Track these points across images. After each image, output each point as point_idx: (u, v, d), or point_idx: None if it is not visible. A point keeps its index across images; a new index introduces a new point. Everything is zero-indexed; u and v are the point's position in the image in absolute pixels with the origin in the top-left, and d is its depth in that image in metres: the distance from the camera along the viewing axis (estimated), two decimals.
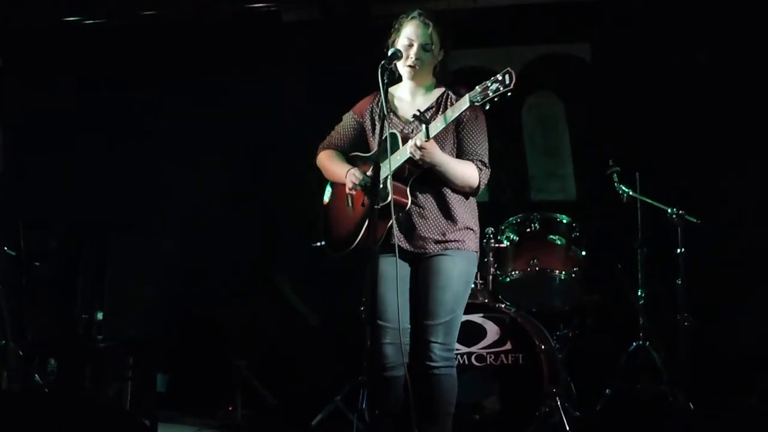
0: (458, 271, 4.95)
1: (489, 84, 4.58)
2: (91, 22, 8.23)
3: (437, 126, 4.73)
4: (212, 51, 8.09)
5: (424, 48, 4.92)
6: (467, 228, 5.00)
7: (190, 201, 7.93)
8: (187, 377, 7.60)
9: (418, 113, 4.81)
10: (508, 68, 4.57)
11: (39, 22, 8.17)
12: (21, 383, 6.06)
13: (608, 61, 7.73)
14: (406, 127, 4.97)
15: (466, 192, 4.98)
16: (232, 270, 7.87)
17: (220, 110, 7.99)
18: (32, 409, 4.22)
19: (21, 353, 6.07)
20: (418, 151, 4.70)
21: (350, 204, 5.06)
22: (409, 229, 4.89)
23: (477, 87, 4.62)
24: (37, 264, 7.02)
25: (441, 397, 4.92)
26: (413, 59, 4.91)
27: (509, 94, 4.55)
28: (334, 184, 5.24)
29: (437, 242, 4.91)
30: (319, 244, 5.29)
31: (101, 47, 8.16)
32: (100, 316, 7.11)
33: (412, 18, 4.98)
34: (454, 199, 4.96)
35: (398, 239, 4.79)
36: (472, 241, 5.02)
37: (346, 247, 5.00)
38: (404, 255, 4.84)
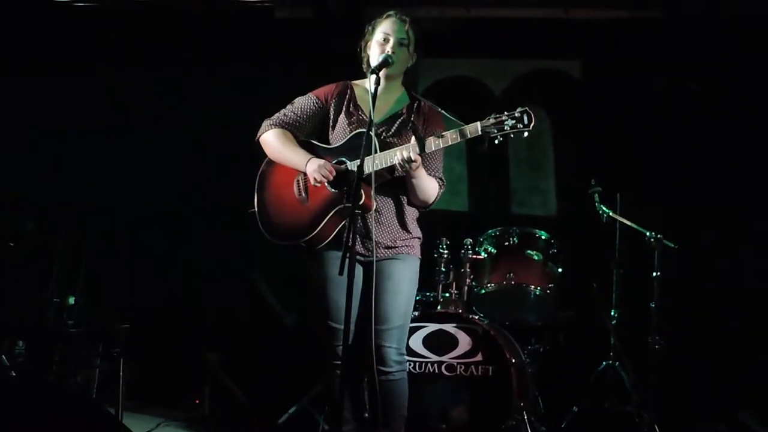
0: (408, 275, 4.95)
1: (504, 119, 4.54)
2: (80, 4, 8.17)
3: (435, 144, 4.67)
4: (202, 42, 8.07)
5: (400, 43, 4.89)
6: (416, 237, 5.01)
7: (169, 192, 7.89)
8: (156, 368, 7.56)
9: (400, 116, 4.84)
10: (527, 108, 4.53)
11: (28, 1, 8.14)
12: None
13: (597, 79, 7.78)
14: (376, 129, 4.83)
15: (420, 206, 5.00)
16: (208, 264, 7.84)
17: (204, 102, 7.96)
18: None
19: None
20: (407, 164, 4.66)
21: (303, 194, 4.91)
22: (363, 232, 4.84)
23: (491, 118, 4.58)
24: (12, 245, 6.97)
25: (394, 401, 4.91)
26: (389, 52, 4.85)
27: (525, 135, 4.54)
28: (274, 166, 5.06)
29: (387, 248, 4.89)
30: (254, 210, 5.06)
31: (89, 30, 8.12)
32: (71, 300, 7.08)
33: (388, 16, 4.95)
34: (408, 209, 4.97)
35: (351, 242, 4.72)
36: (418, 249, 5.03)
37: (297, 238, 4.87)
38: (357, 257, 4.71)
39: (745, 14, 7.38)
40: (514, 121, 4.52)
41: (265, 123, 5.11)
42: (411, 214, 4.99)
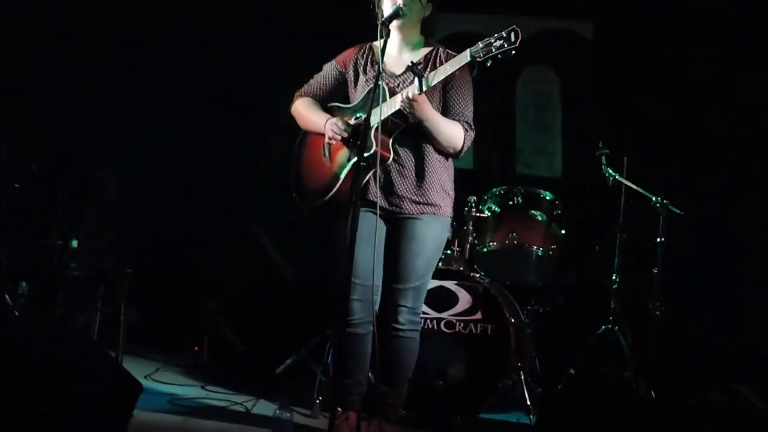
0: (432, 236, 4.95)
1: (492, 41, 4.49)
2: None
3: (432, 79, 4.67)
4: None
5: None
6: (444, 192, 4.99)
7: (172, 143, 7.86)
8: (157, 314, 7.59)
9: (411, 64, 4.75)
10: (514, 26, 4.49)
11: None
12: None
13: (609, 41, 7.72)
14: (393, 81, 4.91)
15: (448, 153, 4.95)
16: (211, 215, 7.83)
17: (204, 52, 7.90)
18: (1, 331, 4.22)
19: None
20: (409, 104, 4.65)
21: (327, 154, 5.00)
22: (386, 186, 4.84)
23: (479, 43, 4.54)
24: (17, 186, 6.99)
25: (402, 360, 4.96)
26: (401, 4, 4.82)
27: (513, 52, 4.48)
28: (308, 133, 5.17)
29: (414, 202, 4.88)
30: (294, 195, 5.21)
31: None
32: (75, 244, 7.10)
33: None
34: (434, 160, 4.93)
35: (375, 195, 4.76)
36: (447, 207, 5.01)
37: (320, 198, 4.94)
38: (380, 212, 4.73)
39: None
40: (501, 41, 4.48)
41: (295, 94, 5.23)
42: (437, 164, 4.94)
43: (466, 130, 4.90)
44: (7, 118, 7.13)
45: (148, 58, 7.96)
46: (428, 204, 4.91)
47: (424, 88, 4.66)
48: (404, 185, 4.88)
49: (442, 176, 4.97)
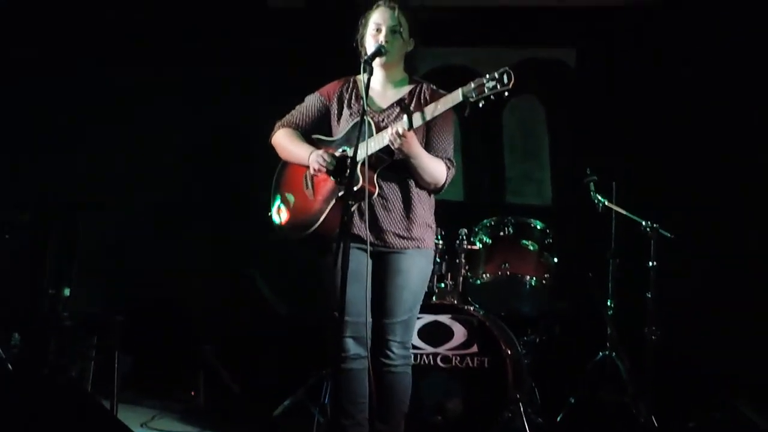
0: (417, 269, 4.94)
1: (485, 81, 4.48)
2: None
3: (422, 116, 4.66)
4: (193, 31, 8.02)
5: (392, 30, 4.86)
6: (427, 225, 4.98)
7: (163, 185, 7.86)
8: (151, 359, 7.55)
9: (400, 101, 4.79)
10: (506, 68, 4.48)
11: None
12: None
13: (592, 68, 7.75)
14: (377, 116, 4.90)
15: (430, 189, 4.95)
16: (203, 255, 7.82)
17: (196, 93, 7.93)
18: None
19: None
20: (398, 140, 4.63)
21: (310, 187, 4.98)
22: (371, 220, 4.80)
23: (471, 83, 4.52)
24: (7, 237, 6.96)
25: (396, 396, 4.93)
26: (383, 41, 4.84)
27: (506, 94, 4.49)
28: (287, 164, 5.15)
29: (398, 237, 4.87)
30: (271, 215, 5.16)
31: (75, 20, 8.03)
32: (67, 292, 7.07)
33: (378, 6, 4.95)
34: (417, 194, 4.92)
35: (360, 229, 4.76)
36: (430, 239, 5.01)
37: (304, 231, 4.91)
38: (364, 247, 4.70)
39: (741, 1, 7.35)
40: (494, 83, 4.46)
41: (276, 125, 5.21)
42: (421, 200, 4.95)
43: (449, 167, 4.91)
44: None
45: (137, 102, 7.97)
46: (412, 238, 4.91)
47: (415, 125, 4.65)
48: (389, 219, 4.88)
49: (425, 210, 4.98)
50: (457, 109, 4.70)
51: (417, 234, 4.92)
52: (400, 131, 4.61)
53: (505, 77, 4.46)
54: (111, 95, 7.97)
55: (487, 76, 4.49)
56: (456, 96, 4.60)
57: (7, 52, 7.72)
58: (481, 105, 4.54)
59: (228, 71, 7.94)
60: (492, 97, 4.50)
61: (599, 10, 7.64)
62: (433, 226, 5.06)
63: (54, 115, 7.95)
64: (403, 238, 4.89)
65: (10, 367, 6.31)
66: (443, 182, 4.90)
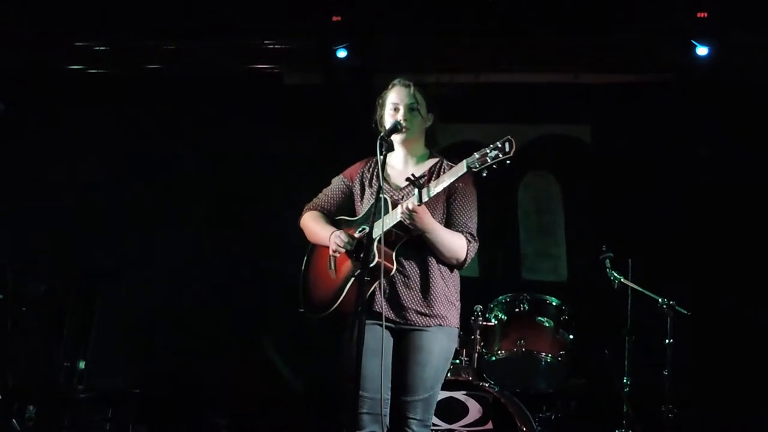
0: (439, 347, 4.86)
1: (488, 151, 4.49)
2: (94, 71, 8.25)
3: (431, 190, 4.66)
4: (212, 107, 8.11)
5: (410, 108, 4.90)
6: (450, 302, 4.91)
7: (178, 257, 7.91)
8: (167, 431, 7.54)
9: (411, 177, 4.78)
10: (508, 137, 4.48)
11: (44, 67, 8.21)
12: None
13: (608, 144, 7.79)
14: (396, 194, 4.91)
15: (452, 264, 4.91)
16: (218, 328, 7.82)
17: (215, 168, 8.01)
18: None
19: (1, 397, 6.02)
20: (409, 215, 4.64)
21: (333, 267, 4.97)
22: (392, 297, 4.80)
23: (475, 153, 4.53)
24: (24, 309, 6.99)
25: None
26: (400, 119, 4.87)
27: (508, 162, 4.47)
28: (315, 247, 5.16)
29: (419, 314, 4.82)
30: (301, 310, 5.16)
31: (102, 97, 8.17)
32: (82, 365, 7.08)
33: (393, 85, 5.00)
34: (438, 271, 4.88)
35: (380, 306, 4.74)
36: (454, 317, 4.94)
37: (325, 310, 4.90)
38: (386, 324, 4.72)
39: (755, 79, 7.40)
40: (496, 152, 4.47)
41: (305, 208, 5.25)
42: (442, 275, 4.89)
43: (470, 241, 4.87)
44: (11, 240, 7.18)
45: (157, 173, 8.05)
46: (434, 315, 4.84)
47: (424, 199, 4.65)
48: (410, 297, 4.83)
49: (447, 287, 4.92)
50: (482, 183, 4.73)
51: (439, 311, 4.85)
52: (410, 207, 4.63)
53: (506, 145, 4.47)
54: (129, 166, 8.06)
55: (490, 145, 4.50)
56: (460, 167, 4.61)
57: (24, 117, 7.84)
58: (484, 174, 4.54)
59: (247, 145, 8.01)
60: (494, 165, 4.50)
61: (615, 86, 7.71)
62: (458, 304, 4.98)
63: (69, 186, 8.03)
64: (425, 315, 4.83)
65: None
66: (464, 257, 4.85)
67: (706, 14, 7.02)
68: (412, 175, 4.79)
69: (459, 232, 4.86)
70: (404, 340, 4.84)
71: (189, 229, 8.06)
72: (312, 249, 5.20)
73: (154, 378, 7.37)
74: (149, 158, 8.11)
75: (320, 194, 5.24)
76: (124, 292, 7.73)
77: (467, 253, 4.86)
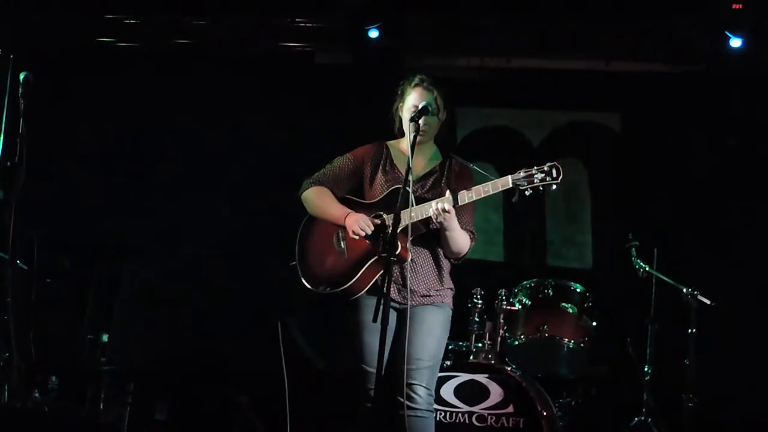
0: (441, 321, 5.09)
1: (534, 173, 4.70)
2: (123, 44, 8.27)
3: (468, 196, 4.83)
4: (242, 86, 8.13)
5: (430, 113, 4.99)
6: (448, 287, 5.16)
7: (202, 234, 7.94)
8: (187, 408, 7.56)
9: (435, 173, 5.05)
10: (555, 163, 4.70)
11: (72, 41, 8.23)
12: (22, 399, 6.04)
13: (637, 133, 7.76)
14: (413, 184, 4.98)
15: (453, 257, 5.12)
16: (241, 306, 7.84)
17: (244, 147, 8.02)
18: (32, 426, 4.22)
19: (24, 369, 6.04)
20: (442, 215, 4.77)
21: (342, 246, 5.09)
22: (399, 281, 4.97)
23: (521, 171, 4.73)
24: (49, 281, 7.03)
25: None
26: (422, 127, 4.93)
27: (554, 187, 4.68)
28: (316, 220, 5.24)
29: (422, 296, 5.02)
30: (295, 263, 5.25)
31: (132, 72, 8.19)
32: (105, 338, 7.11)
33: (416, 85, 5.10)
34: (443, 260, 5.11)
35: (388, 290, 4.79)
36: (450, 299, 5.17)
37: (335, 287, 5.03)
38: (393, 305, 4.85)
39: None
40: (543, 175, 4.69)
41: (306, 181, 5.32)
42: (445, 265, 5.13)
43: (471, 239, 5.09)
44: (37, 212, 7.20)
45: (182, 151, 8.07)
46: (435, 295, 5.07)
47: (460, 203, 4.82)
48: (416, 281, 5.01)
49: (447, 274, 5.16)
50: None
51: (441, 294, 5.09)
52: (447, 208, 4.78)
53: (554, 171, 4.70)
54: (155, 144, 8.08)
55: (536, 168, 4.70)
56: (505, 182, 4.77)
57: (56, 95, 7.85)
58: (527, 194, 4.72)
59: (272, 122, 8.03)
60: (541, 188, 4.68)
61: (645, 75, 7.68)
62: (453, 288, 5.22)
63: (98, 161, 8.06)
64: (427, 296, 5.05)
65: (46, 409, 6.35)
66: (465, 252, 5.08)
67: (741, 5, 6.96)
68: (434, 171, 5.10)
69: (464, 230, 5.03)
70: (406, 316, 4.92)
71: (215, 206, 8.08)
72: (310, 221, 5.30)
73: (176, 354, 7.40)
74: (177, 134, 8.13)
75: (324, 170, 5.31)
76: (147, 268, 7.76)
77: (468, 250, 5.10)
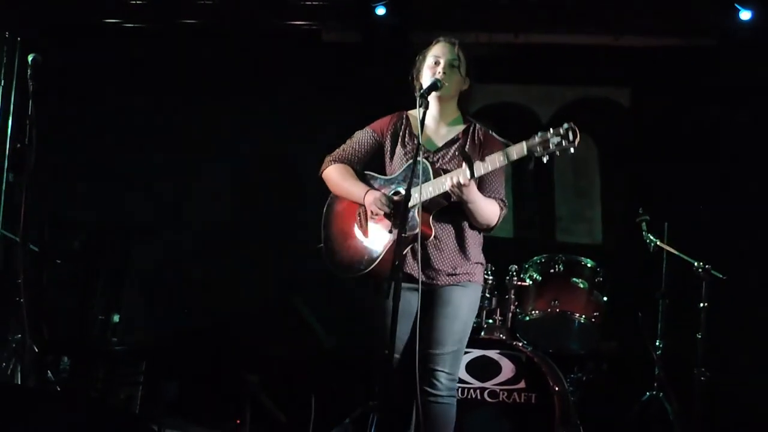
0: (467, 301, 4.94)
1: (549, 137, 4.46)
2: (130, 25, 8.24)
3: (484, 167, 4.63)
4: (249, 64, 8.11)
5: (451, 65, 4.87)
6: (477, 262, 4.98)
7: (212, 214, 7.94)
8: (198, 387, 7.58)
9: (456, 142, 4.82)
10: (571, 123, 4.47)
11: (79, 20, 8.21)
12: (34, 379, 6.06)
13: (646, 108, 7.74)
14: (432, 156, 4.89)
15: (482, 228, 4.95)
16: (250, 285, 7.85)
17: (251, 125, 8.02)
18: (44, 405, 4.22)
19: (36, 349, 6.06)
20: (458, 189, 4.63)
21: (364, 225, 4.97)
22: (423, 259, 4.79)
23: (536, 136, 4.51)
24: (59, 262, 7.04)
25: (440, 428, 4.89)
26: (441, 74, 4.84)
27: (572, 150, 4.47)
28: (338, 199, 5.15)
29: (448, 275, 4.88)
30: (321, 246, 5.17)
31: (138, 51, 8.17)
32: (116, 318, 7.13)
33: (438, 41, 4.97)
34: (469, 234, 4.92)
35: (412, 269, 4.77)
36: (480, 274, 5.02)
37: (359, 270, 4.92)
38: (414, 284, 4.69)
39: None
40: (559, 138, 4.45)
41: (327, 159, 5.20)
42: (472, 239, 4.94)
43: (501, 207, 4.89)
44: (48, 194, 7.21)
45: (188, 130, 8.07)
46: (462, 273, 4.91)
47: (476, 175, 4.62)
48: (441, 259, 4.87)
49: (475, 249, 4.97)
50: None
51: (468, 270, 4.92)
52: (463, 182, 4.59)
53: (570, 134, 4.45)
54: (162, 123, 8.07)
55: (551, 131, 4.48)
56: (520, 149, 4.57)
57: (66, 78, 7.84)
58: (545, 161, 4.54)
59: (279, 101, 8.02)
60: (558, 153, 4.49)
61: (655, 49, 7.64)
62: (483, 262, 5.06)
63: (105, 142, 8.06)
64: (454, 275, 4.89)
65: (58, 389, 6.37)
66: (495, 223, 4.89)
67: None
68: (456, 139, 4.81)
69: (492, 198, 4.86)
70: (432, 297, 4.86)
71: (223, 186, 8.08)
72: (334, 201, 5.19)
73: (186, 334, 7.40)
74: (184, 114, 8.11)
75: (344, 146, 5.19)
76: (157, 249, 7.77)
77: (498, 219, 4.90)
